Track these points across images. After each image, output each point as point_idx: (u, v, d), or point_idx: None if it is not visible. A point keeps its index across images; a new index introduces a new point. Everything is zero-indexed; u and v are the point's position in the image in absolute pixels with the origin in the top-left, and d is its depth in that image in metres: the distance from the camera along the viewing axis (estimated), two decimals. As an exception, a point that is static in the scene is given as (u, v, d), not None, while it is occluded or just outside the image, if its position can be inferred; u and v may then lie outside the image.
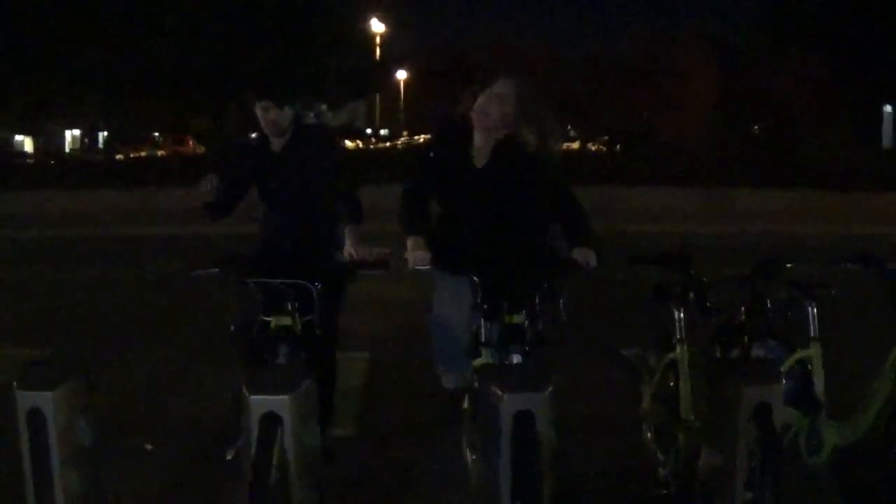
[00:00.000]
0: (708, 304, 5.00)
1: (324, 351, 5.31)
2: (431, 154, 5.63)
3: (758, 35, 47.24)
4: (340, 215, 5.73)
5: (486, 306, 4.78)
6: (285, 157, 5.98)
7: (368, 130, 65.31)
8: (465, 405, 5.28)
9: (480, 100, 5.34)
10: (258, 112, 5.92)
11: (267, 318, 4.87)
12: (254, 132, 6.45)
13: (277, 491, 4.08)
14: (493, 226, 5.38)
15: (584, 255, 5.05)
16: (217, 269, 4.94)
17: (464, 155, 5.45)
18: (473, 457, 5.01)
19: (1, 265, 15.74)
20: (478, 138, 5.42)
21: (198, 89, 33.80)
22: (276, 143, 6.01)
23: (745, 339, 4.89)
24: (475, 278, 4.86)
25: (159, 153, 51.65)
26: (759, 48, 44.48)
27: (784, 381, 4.55)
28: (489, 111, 5.31)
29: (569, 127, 55.91)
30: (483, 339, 4.83)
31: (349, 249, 5.56)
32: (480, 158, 5.42)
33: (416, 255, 5.06)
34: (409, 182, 5.58)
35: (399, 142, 53.59)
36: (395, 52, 54.89)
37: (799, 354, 5.18)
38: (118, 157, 43.27)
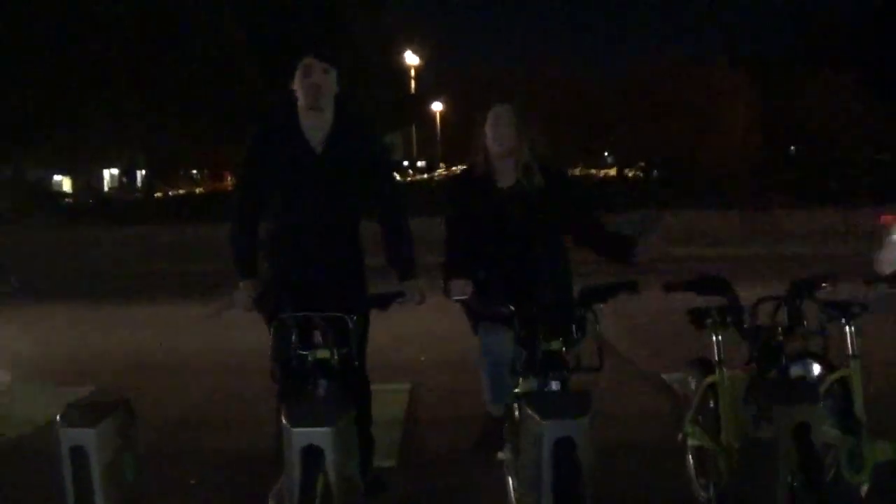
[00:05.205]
0: (746, 326, 4.97)
1: (361, 383, 5.28)
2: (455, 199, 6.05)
3: (791, 56, 47.19)
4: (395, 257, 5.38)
5: (522, 334, 4.78)
6: (326, 155, 5.12)
7: (406, 163, 65.27)
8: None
9: (486, 128, 5.85)
10: (297, 79, 5.08)
11: (304, 352, 4.81)
12: None
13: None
14: (523, 250, 5.76)
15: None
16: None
17: (485, 186, 5.88)
18: (515, 485, 5.01)
19: (42, 302, 15.90)
20: (497, 164, 5.86)
21: (233, 122, 34.04)
22: (315, 138, 5.14)
23: (784, 359, 4.86)
24: (511, 308, 4.87)
25: (198, 190, 51.88)
26: (792, 69, 44.34)
27: (823, 401, 4.53)
28: (490, 133, 5.81)
29: (606, 153, 55.84)
30: (522, 368, 4.82)
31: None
32: (504, 181, 5.88)
33: (457, 285, 5.24)
34: (448, 215, 5.92)
35: (436, 174, 53.57)
36: (431, 84, 54.96)
37: (838, 373, 5.16)
38: (157, 194, 43.49)
